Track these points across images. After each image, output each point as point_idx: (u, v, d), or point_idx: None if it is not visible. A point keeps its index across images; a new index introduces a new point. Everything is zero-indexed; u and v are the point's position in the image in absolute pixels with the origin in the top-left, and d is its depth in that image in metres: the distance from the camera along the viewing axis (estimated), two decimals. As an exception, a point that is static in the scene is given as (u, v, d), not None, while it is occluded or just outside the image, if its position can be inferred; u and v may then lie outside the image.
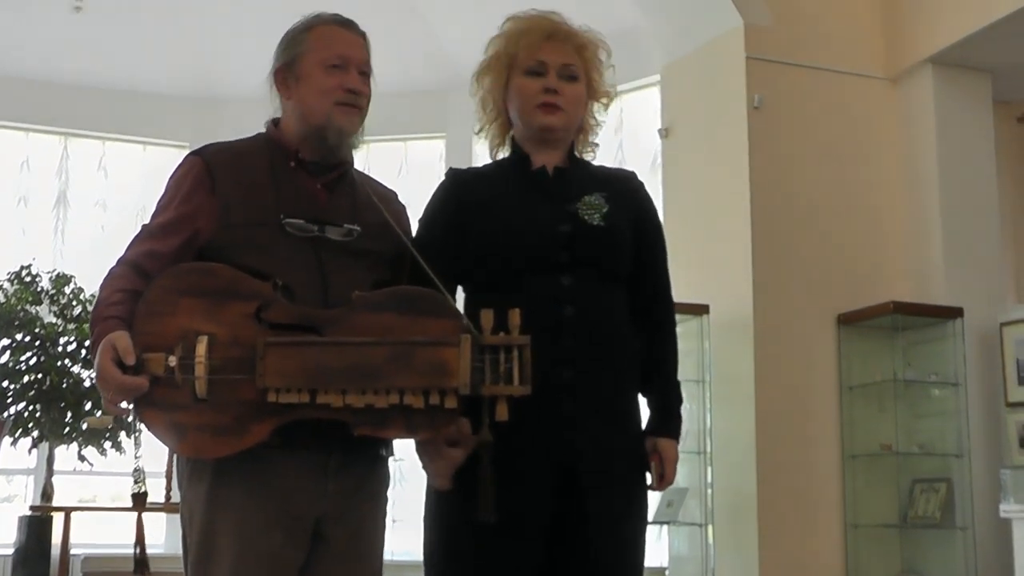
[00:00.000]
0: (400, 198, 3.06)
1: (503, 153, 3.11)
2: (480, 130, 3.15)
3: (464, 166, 3.22)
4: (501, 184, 2.99)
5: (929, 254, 7.00)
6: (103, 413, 7.35)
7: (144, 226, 2.79)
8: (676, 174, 7.39)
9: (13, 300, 7.95)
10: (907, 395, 6.79)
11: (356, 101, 2.82)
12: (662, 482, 2.95)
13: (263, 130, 2.89)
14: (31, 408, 7.72)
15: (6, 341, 7.88)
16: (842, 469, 6.74)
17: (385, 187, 3.05)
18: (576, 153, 3.07)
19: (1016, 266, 7.72)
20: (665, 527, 6.83)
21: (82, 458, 7.83)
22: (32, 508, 7.51)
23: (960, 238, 6.98)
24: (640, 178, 3.14)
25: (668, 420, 2.99)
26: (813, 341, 6.80)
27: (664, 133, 7.50)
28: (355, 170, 2.93)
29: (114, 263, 2.73)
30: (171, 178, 2.82)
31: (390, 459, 2.87)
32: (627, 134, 8.77)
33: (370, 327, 2.54)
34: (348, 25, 2.89)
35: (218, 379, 2.51)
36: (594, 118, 3.10)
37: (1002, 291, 7.15)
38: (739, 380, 6.64)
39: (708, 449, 6.75)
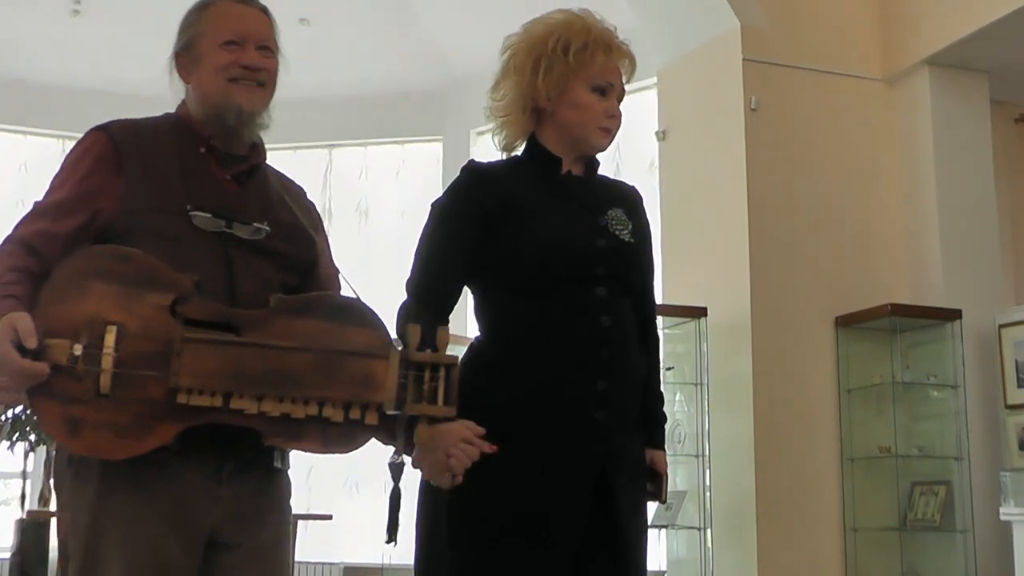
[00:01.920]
0: (308, 195, 2.88)
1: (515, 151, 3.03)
2: (502, 117, 2.99)
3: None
4: (530, 186, 2.90)
5: (927, 255, 6.99)
6: None
7: (35, 203, 2.56)
8: (673, 177, 7.38)
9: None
10: (906, 397, 6.77)
11: (255, 77, 2.62)
12: (662, 492, 2.98)
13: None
14: (27, 411, 7.69)
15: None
16: (841, 472, 6.73)
17: (294, 183, 2.84)
18: (598, 164, 3.04)
19: (1014, 267, 7.70)
20: (664, 531, 6.82)
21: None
22: (29, 512, 7.49)
23: (958, 239, 6.97)
24: (641, 195, 3.13)
25: (660, 432, 3.02)
26: (811, 343, 6.79)
27: (661, 135, 7.49)
28: (267, 165, 2.74)
29: (1, 241, 2.49)
30: (70, 153, 2.61)
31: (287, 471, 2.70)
32: (623, 136, 8.75)
33: (292, 332, 2.39)
34: (246, 0, 2.70)
35: (124, 373, 2.30)
36: None
37: (1000, 292, 7.13)
38: (737, 383, 6.63)
39: (706, 452, 6.74)
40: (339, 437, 2.39)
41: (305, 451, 2.44)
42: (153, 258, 2.40)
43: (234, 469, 2.50)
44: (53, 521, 7.14)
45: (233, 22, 2.64)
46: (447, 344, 2.43)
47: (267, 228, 2.60)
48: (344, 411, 2.37)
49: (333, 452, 2.45)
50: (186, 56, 2.65)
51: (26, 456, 7.99)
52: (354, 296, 2.53)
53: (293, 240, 2.67)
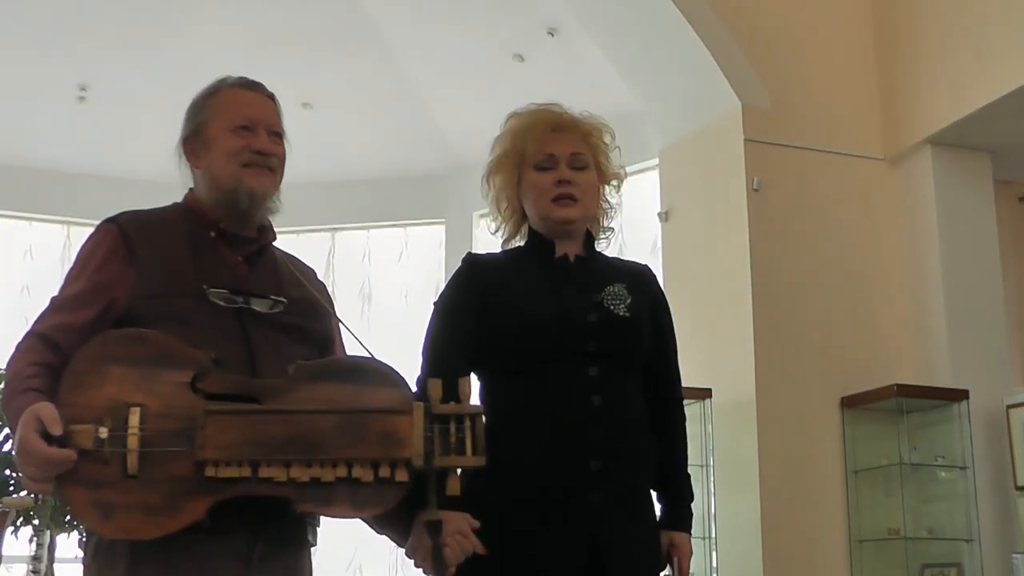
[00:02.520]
0: (318, 276, 2.94)
1: (515, 243, 3.08)
2: (496, 230, 3.10)
3: (464, 251, 3.19)
4: (524, 271, 2.95)
5: (932, 335, 6.96)
6: (25, 493, 7.23)
7: (52, 298, 2.62)
8: (676, 257, 7.38)
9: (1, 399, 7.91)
10: (914, 479, 6.71)
11: (266, 162, 2.68)
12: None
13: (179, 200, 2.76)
14: (36, 497, 7.65)
15: (8, 431, 7.84)
16: (850, 554, 6.65)
17: (303, 263, 2.89)
18: (594, 241, 3.06)
19: (1021, 346, 7.66)
20: (671, 614, 6.74)
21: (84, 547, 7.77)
22: (34, 598, 7.43)
23: (964, 319, 6.93)
24: (653, 271, 3.13)
25: (683, 514, 3.01)
26: (817, 424, 6.74)
27: (664, 216, 7.50)
28: (274, 246, 2.80)
29: (21, 338, 2.55)
30: (83, 247, 2.67)
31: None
32: (626, 218, 8.77)
33: (313, 397, 2.40)
34: (254, 87, 2.77)
35: (151, 452, 2.31)
36: (607, 201, 3.09)
37: (1007, 372, 7.08)
38: (743, 464, 6.58)
39: (712, 534, 6.68)
40: (369, 497, 2.38)
41: (337, 516, 2.43)
42: (169, 337, 2.43)
43: (265, 550, 2.50)
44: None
45: (244, 107, 2.70)
46: (470, 395, 2.45)
47: (284, 301, 2.64)
48: (373, 470, 2.37)
49: (366, 514, 2.45)
50: (195, 141, 2.71)
51: (31, 541, 7.95)
52: (369, 356, 2.54)
53: (308, 315, 2.72)
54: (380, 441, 2.37)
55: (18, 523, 7.56)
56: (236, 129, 2.67)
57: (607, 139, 3.06)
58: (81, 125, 9.59)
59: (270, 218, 2.77)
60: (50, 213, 10.06)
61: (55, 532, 7.71)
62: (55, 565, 7.61)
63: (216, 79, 2.80)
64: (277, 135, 2.73)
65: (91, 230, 2.69)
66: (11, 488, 7.63)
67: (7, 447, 7.74)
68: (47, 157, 9.87)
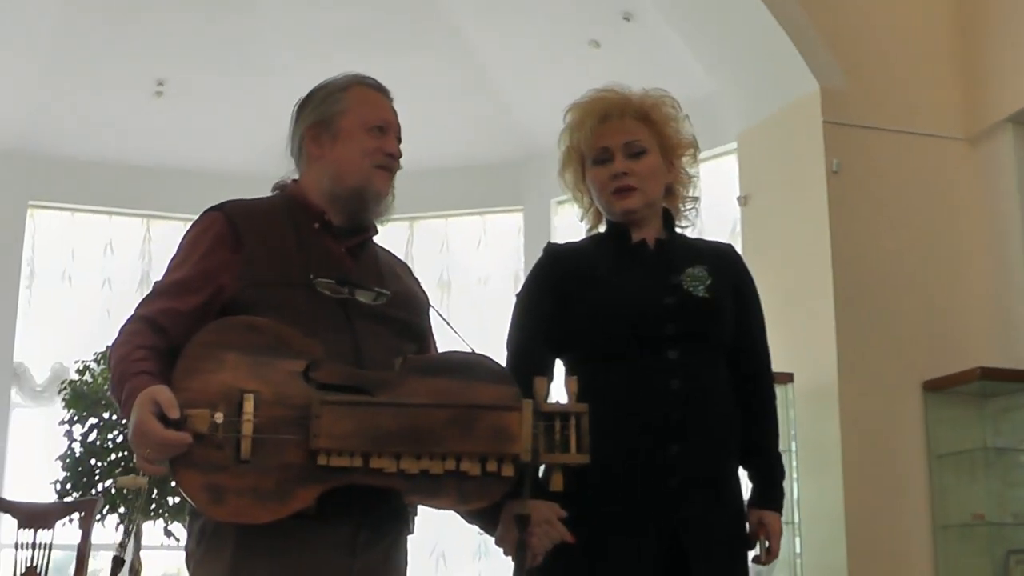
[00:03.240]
0: (413, 270, 3.02)
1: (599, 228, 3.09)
2: (582, 218, 3.13)
3: (543, 238, 3.21)
4: (602, 258, 2.96)
5: (1015, 317, 6.86)
6: (138, 473, 7.33)
7: (156, 283, 2.67)
8: (756, 242, 7.33)
9: (100, 380, 8.03)
10: (998, 463, 6.63)
11: (393, 166, 2.78)
12: (769, 555, 2.93)
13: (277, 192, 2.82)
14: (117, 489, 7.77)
15: (93, 420, 7.96)
16: (934, 540, 6.58)
17: (400, 259, 2.97)
18: (675, 219, 3.05)
19: (1106, 328, 7.55)
20: (754, 599, 6.72)
21: (168, 533, 7.87)
22: (124, 581, 7.54)
23: (1046, 299, 6.84)
24: (736, 251, 3.12)
25: (772, 493, 2.99)
26: (899, 409, 6.68)
27: (743, 201, 7.45)
28: (374, 241, 2.85)
29: (124, 322, 2.59)
30: (187, 234, 2.71)
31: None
32: (705, 203, 8.71)
33: (423, 391, 2.45)
34: (384, 90, 2.84)
35: (263, 439, 2.37)
36: (685, 172, 3.07)
37: (1093, 353, 6.98)
38: (825, 449, 6.53)
39: (796, 519, 6.64)
40: (475, 491, 2.44)
41: (443, 508, 2.48)
42: (282, 326, 2.48)
43: (369, 537, 2.56)
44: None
45: (380, 110, 2.79)
46: (575, 393, 2.48)
47: (387, 293, 2.68)
48: (481, 464, 2.42)
49: (470, 507, 2.49)
50: (323, 130, 2.75)
51: (117, 528, 8.07)
52: (476, 352, 2.58)
53: (409, 308, 2.77)
54: (490, 436, 2.42)
55: (104, 511, 7.68)
56: (372, 129, 2.74)
57: (670, 110, 3.04)
58: (159, 120, 9.70)
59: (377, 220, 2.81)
60: (129, 207, 10.16)
61: (141, 520, 7.82)
62: (141, 553, 7.72)
63: (342, 74, 2.83)
64: (400, 142, 2.81)
65: (168, 223, 2.74)
66: (96, 478, 7.76)
67: (92, 437, 7.88)
68: (125, 152, 9.99)
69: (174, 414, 2.32)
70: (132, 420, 2.36)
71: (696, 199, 3.12)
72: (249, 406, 2.38)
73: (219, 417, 2.36)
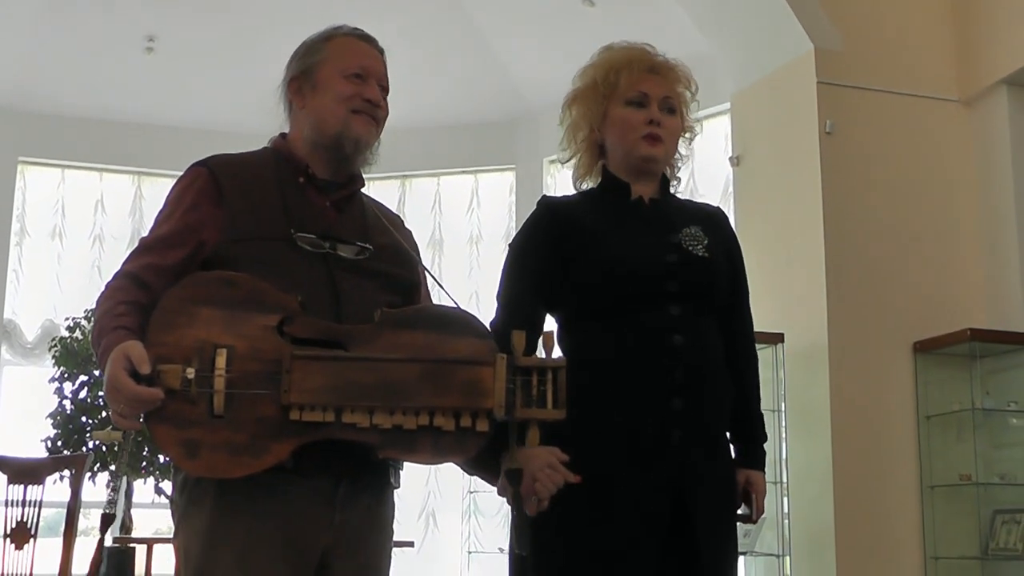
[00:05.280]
0: (406, 224, 2.98)
1: (587, 183, 3.08)
2: (569, 159, 3.10)
3: (535, 197, 3.19)
4: (600, 213, 2.95)
5: (1006, 279, 6.88)
6: (112, 428, 7.34)
7: (142, 239, 2.67)
8: (748, 202, 7.34)
9: (90, 337, 8.03)
10: (986, 424, 6.66)
11: (374, 112, 2.73)
12: (756, 513, 2.97)
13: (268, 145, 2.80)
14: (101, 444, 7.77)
15: (84, 377, 7.97)
16: (921, 500, 6.63)
17: (391, 211, 2.94)
18: (669, 184, 3.06)
19: (1097, 290, 7.56)
20: (742, 557, 6.75)
21: (160, 491, 7.89)
22: (114, 539, 7.56)
23: (1039, 262, 6.84)
24: (725, 214, 3.13)
25: (757, 453, 3.04)
26: (889, 369, 6.70)
27: (735, 161, 7.45)
28: (363, 193, 2.83)
29: (111, 277, 2.60)
30: (173, 188, 2.70)
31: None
32: (698, 163, 8.73)
33: (398, 345, 2.43)
34: (368, 39, 2.80)
35: (237, 394, 2.36)
36: (679, 152, 3.09)
37: (1083, 316, 7.00)
38: (814, 409, 6.56)
39: (784, 479, 6.68)
40: (451, 446, 2.42)
41: (418, 462, 2.48)
42: (258, 280, 2.47)
43: (349, 491, 2.55)
44: (136, 549, 7.22)
45: (359, 56, 2.75)
46: (552, 348, 2.47)
47: (370, 248, 2.67)
48: (455, 419, 2.40)
49: (446, 461, 2.48)
50: (304, 81, 2.74)
51: (108, 486, 8.08)
52: (455, 305, 2.58)
53: (395, 261, 2.74)
54: (463, 391, 2.40)
55: (95, 469, 7.69)
56: (349, 76, 2.71)
57: (692, 91, 3.06)
58: (149, 77, 9.67)
59: (362, 169, 2.79)
60: (120, 164, 10.16)
61: (132, 478, 7.85)
62: (132, 511, 7.75)
63: (330, 25, 2.82)
64: (384, 90, 2.77)
65: (159, 181, 2.73)
66: (88, 435, 7.77)
67: (83, 394, 7.88)
68: (116, 109, 9.98)
69: (145, 369, 2.33)
70: (105, 375, 2.37)
71: (679, 180, 3.13)
72: (221, 361, 2.37)
73: (191, 372, 2.36)
